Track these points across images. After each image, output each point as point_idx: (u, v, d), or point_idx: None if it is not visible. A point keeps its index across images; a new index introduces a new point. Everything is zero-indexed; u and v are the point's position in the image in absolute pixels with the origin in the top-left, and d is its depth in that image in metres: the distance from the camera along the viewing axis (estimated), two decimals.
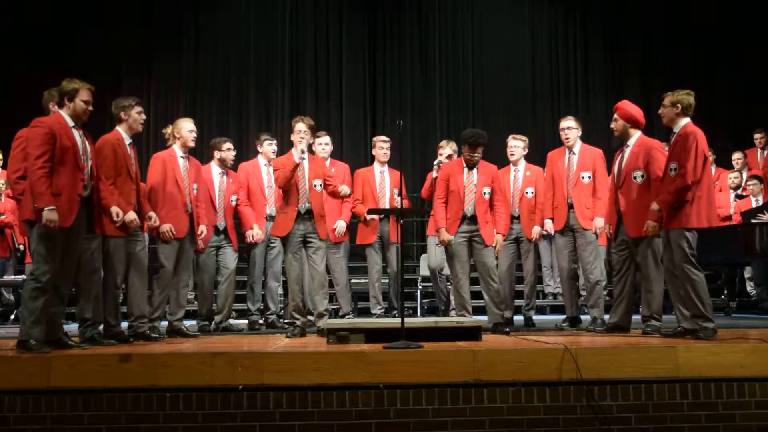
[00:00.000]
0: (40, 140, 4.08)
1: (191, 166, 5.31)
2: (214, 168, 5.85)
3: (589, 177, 5.52)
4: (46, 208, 4.00)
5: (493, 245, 5.30)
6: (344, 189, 5.36)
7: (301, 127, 5.17)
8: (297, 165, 5.05)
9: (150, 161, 5.28)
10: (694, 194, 4.40)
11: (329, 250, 5.99)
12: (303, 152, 5.09)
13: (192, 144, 5.33)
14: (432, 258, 6.39)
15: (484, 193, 5.31)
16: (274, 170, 5.21)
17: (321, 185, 5.15)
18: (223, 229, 5.77)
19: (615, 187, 4.99)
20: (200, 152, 9.93)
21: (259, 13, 10.36)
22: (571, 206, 5.51)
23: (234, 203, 5.88)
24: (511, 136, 6.12)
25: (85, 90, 4.29)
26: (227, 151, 5.84)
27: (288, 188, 5.08)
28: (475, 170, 5.33)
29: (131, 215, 4.65)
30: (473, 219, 5.27)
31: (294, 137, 5.19)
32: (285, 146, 5.27)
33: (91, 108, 4.34)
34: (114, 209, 4.56)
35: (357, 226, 6.45)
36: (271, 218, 6.00)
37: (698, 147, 4.40)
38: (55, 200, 4.06)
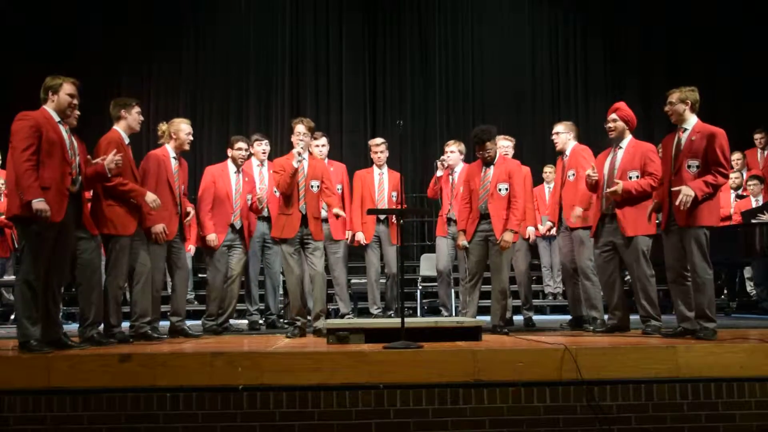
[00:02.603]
0: (25, 133, 3.99)
1: (181, 167, 5.26)
2: (230, 166, 5.80)
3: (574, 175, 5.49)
4: (34, 200, 3.92)
5: (499, 240, 5.04)
6: (338, 213, 5.24)
7: (300, 129, 5.12)
8: (296, 170, 5.04)
9: (142, 161, 5.15)
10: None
11: (329, 249, 5.98)
12: (300, 154, 5.06)
13: (187, 147, 5.25)
14: (442, 259, 6.27)
15: (500, 189, 5.13)
16: (274, 172, 5.17)
17: (318, 186, 5.14)
18: (239, 228, 5.72)
19: (603, 188, 4.95)
20: (199, 152, 10.00)
21: (259, 13, 10.36)
22: (561, 206, 5.50)
23: (249, 201, 5.79)
24: (501, 137, 6.00)
25: (68, 84, 4.21)
26: (237, 150, 5.76)
27: (289, 192, 5.07)
28: (491, 167, 5.21)
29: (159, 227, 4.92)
30: (487, 217, 5.14)
31: (293, 138, 5.16)
32: (284, 146, 5.25)
33: (76, 102, 4.26)
34: (150, 196, 4.71)
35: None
36: (264, 219, 5.98)
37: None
38: (44, 194, 3.97)
